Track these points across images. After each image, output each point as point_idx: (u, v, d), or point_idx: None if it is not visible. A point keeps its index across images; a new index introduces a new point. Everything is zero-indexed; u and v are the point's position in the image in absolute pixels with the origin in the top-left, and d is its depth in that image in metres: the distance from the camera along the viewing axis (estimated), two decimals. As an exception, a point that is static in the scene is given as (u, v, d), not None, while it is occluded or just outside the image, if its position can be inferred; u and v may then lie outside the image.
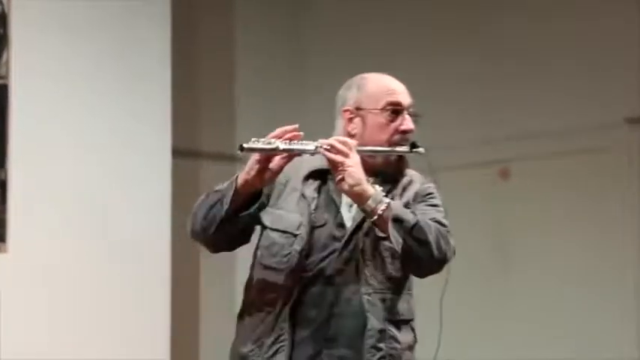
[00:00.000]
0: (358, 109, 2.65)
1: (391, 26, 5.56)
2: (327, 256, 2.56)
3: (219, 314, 5.57)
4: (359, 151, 2.57)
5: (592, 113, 4.97)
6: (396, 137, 2.64)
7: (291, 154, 2.54)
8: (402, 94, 2.67)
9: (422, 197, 2.64)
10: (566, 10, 5.10)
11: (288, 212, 2.60)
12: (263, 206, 2.62)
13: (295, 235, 2.57)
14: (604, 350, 4.80)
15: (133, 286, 4.65)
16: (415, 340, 2.64)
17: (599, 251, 4.95)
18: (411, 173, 2.69)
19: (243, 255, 5.45)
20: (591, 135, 4.98)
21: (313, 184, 2.62)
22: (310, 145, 2.53)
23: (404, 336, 2.59)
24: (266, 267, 2.60)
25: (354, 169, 2.49)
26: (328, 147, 2.52)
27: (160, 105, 4.82)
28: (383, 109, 2.63)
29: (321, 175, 2.63)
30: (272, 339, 2.55)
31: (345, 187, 2.50)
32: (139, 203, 4.74)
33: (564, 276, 5.01)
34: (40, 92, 4.43)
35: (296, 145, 2.51)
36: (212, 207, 2.56)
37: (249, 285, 2.66)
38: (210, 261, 5.48)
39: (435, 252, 2.49)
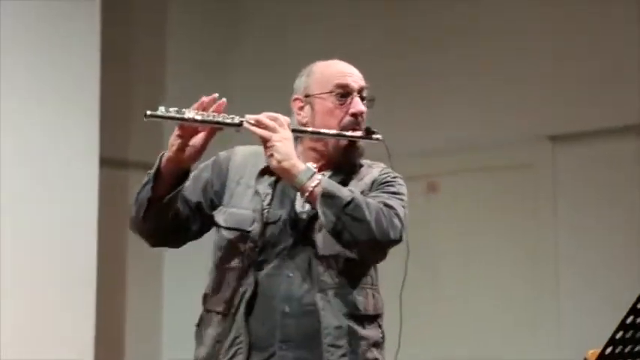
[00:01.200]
0: (307, 95, 2.53)
1: (324, 39, 5.58)
2: (279, 253, 2.45)
3: (144, 320, 5.56)
4: (306, 132, 2.47)
5: (518, 130, 5.05)
6: (347, 121, 2.50)
7: (213, 128, 2.39)
8: (351, 76, 2.54)
9: (379, 185, 2.50)
10: (495, 26, 5.19)
11: (241, 209, 2.49)
12: (213, 205, 2.51)
13: (248, 232, 2.46)
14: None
15: (60, 295, 4.60)
16: (382, 338, 2.51)
17: (523, 265, 5.02)
18: (369, 163, 2.57)
19: (171, 259, 5.52)
20: (516, 151, 5.06)
21: (268, 180, 2.50)
22: (235, 119, 2.37)
23: (368, 332, 2.47)
24: (221, 267, 2.49)
25: (281, 143, 2.35)
26: (254, 122, 2.38)
27: (88, 113, 4.78)
28: (330, 92, 2.50)
29: None
30: (230, 341, 2.44)
31: (274, 162, 2.36)
32: (66, 212, 4.70)
33: (488, 287, 5.08)
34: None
35: (216, 117, 2.35)
36: (142, 189, 2.44)
37: (208, 288, 2.53)
38: (136, 270, 5.47)
39: (375, 232, 2.35)
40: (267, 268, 2.45)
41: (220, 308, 2.47)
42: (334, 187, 2.39)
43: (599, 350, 2.26)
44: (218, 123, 2.37)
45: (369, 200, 2.39)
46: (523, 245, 5.02)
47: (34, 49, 4.62)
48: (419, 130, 5.31)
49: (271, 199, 2.48)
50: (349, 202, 2.34)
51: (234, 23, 5.88)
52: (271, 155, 2.36)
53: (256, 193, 2.49)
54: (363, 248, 2.40)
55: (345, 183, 2.48)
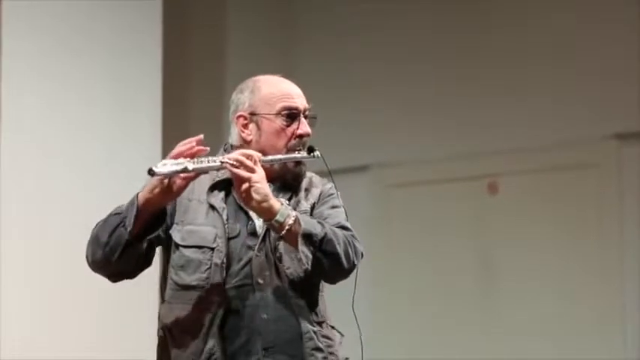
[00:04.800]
0: (253, 114, 2.58)
1: (387, 33, 5.56)
2: (245, 265, 2.49)
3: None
4: (274, 161, 2.53)
5: (582, 128, 4.99)
6: (294, 142, 2.57)
7: (199, 172, 2.45)
8: (297, 97, 2.61)
9: (325, 198, 2.60)
10: (556, 24, 5.13)
11: (199, 226, 2.51)
12: (167, 226, 2.52)
13: (212, 249, 2.49)
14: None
15: (124, 296, 4.61)
16: (342, 335, 2.61)
17: (587, 267, 4.96)
18: (309, 175, 2.64)
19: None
20: (581, 150, 5.01)
21: (219, 195, 2.54)
22: (216, 162, 2.44)
23: (333, 334, 2.56)
24: (185, 287, 2.50)
25: (260, 184, 2.41)
26: (234, 162, 2.43)
27: (150, 119, 4.81)
28: (278, 114, 2.57)
29: (226, 185, 2.55)
30: (204, 358, 2.45)
31: (253, 203, 2.41)
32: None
33: (550, 289, 5.02)
34: (29, 105, 4.41)
35: (204, 164, 2.42)
36: (114, 231, 2.43)
37: (167, 310, 2.53)
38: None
39: (344, 262, 2.46)
40: (235, 281, 2.48)
41: (192, 327, 2.48)
42: (309, 224, 2.45)
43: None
44: (207, 169, 2.45)
45: (337, 231, 2.48)
46: (587, 246, 4.97)
47: (97, 53, 4.65)
48: (478, 130, 5.28)
49: (227, 214, 2.52)
50: (323, 238, 2.44)
51: (295, 19, 5.86)
52: (248, 195, 2.41)
53: (212, 208, 2.52)
54: (331, 277, 2.52)
55: (293, 197, 2.57)
